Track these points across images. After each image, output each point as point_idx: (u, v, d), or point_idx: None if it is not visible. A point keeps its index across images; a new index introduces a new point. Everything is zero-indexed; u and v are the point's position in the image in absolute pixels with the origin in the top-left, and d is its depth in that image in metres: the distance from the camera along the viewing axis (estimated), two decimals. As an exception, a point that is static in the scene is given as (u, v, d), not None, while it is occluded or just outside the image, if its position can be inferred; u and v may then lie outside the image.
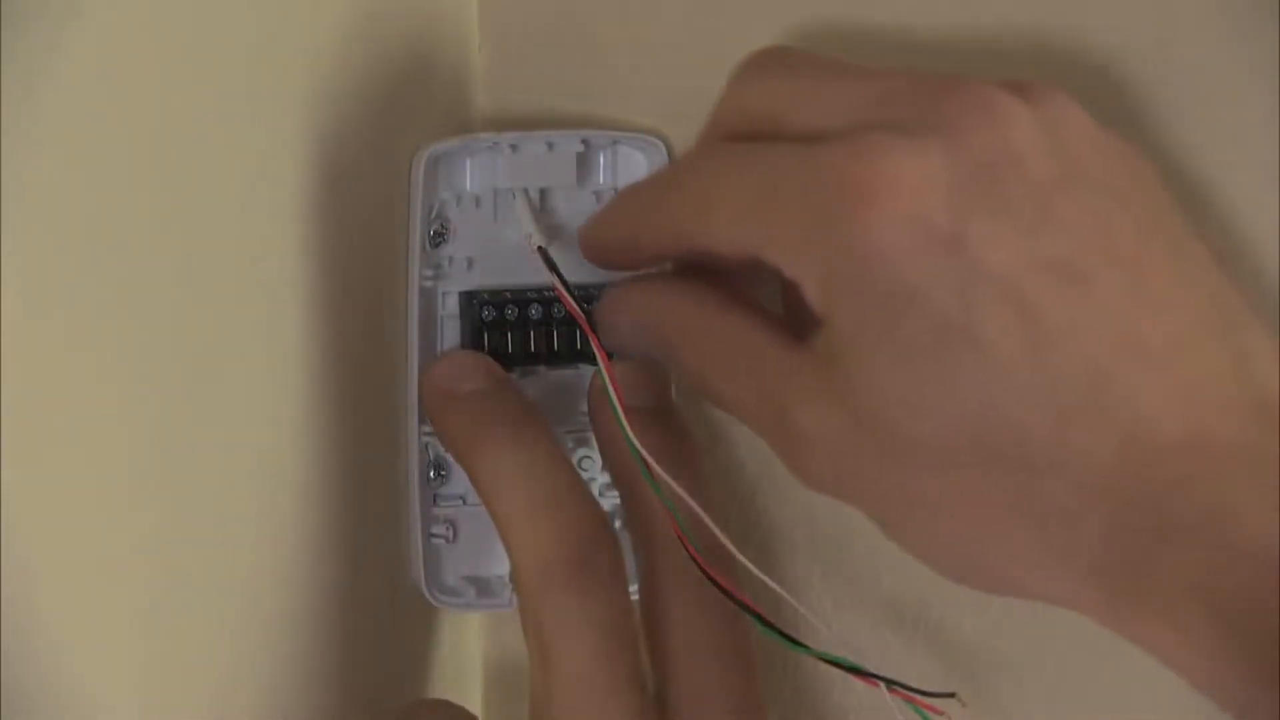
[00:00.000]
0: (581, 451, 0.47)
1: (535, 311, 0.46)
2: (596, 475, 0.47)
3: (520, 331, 0.46)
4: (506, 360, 0.46)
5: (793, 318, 0.38)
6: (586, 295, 0.44)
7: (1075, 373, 0.35)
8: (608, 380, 0.42)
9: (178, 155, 0.37)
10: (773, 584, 0.41)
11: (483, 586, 0.47)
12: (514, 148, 0.46)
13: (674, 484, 0.41)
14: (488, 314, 0.46)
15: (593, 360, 0.43)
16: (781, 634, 0.41)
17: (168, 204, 0.36)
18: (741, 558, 0.41)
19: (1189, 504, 0.34)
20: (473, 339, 0.46)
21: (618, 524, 0.47)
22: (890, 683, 0.40)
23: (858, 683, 0.41)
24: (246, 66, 0.39)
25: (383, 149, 0.45)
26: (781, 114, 0.39)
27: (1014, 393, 0.35)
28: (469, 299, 0.46)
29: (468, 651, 0.50)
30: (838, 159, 0.36)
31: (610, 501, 0.47)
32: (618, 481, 0.44)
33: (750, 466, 0.48)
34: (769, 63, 0.40)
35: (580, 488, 0.42)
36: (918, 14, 0.44)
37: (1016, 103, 0.36)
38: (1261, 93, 0.43)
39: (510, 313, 0.46)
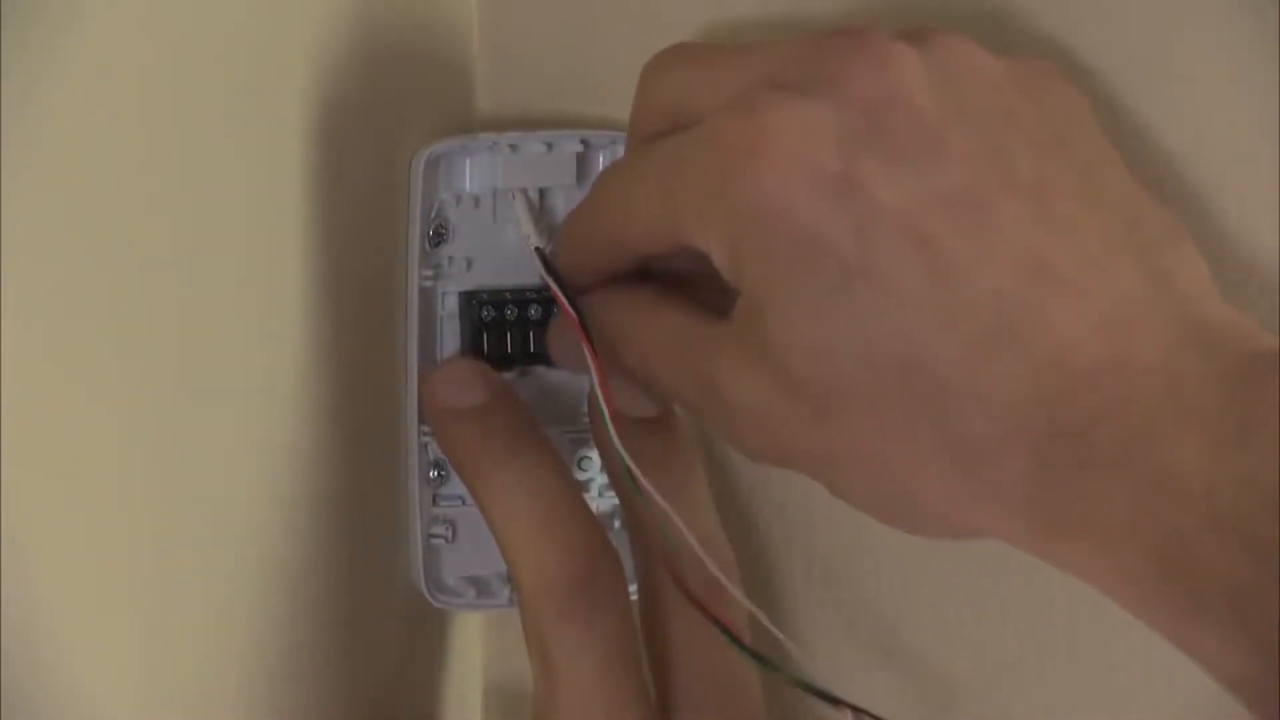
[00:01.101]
0: (581, 451, 0.47)
1: (535, 312, 0.46)
2: (596, 475, 0.47)
3: (520, 332, 0.46)
4: (506, 362, 0.46)
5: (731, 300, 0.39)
6: None
7: (981, 302, 0.34)
8: (597, 386, 0.42)
9: (177, 156, 0.37)
10: (749, 604, 0.41)
11: (483, 586, 0.47)
12: (514, 148, 0.45)
13: (654, 492, 0.41)
14: (487, 314, 0.46)
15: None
16: (753, 654, 0.41)
17: (166, 204, 0.36)
18: (718, 573, 0.41)
19: (1112, 434, 0.33)
20: (472, 339, 0.46)
21: (617, 524, 0.47)
22: (855, 709, 0.40)
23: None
24: (245, 66, 0.39)
25: (383, 149, 0.45)
26: (685, 103, 0.39)
27: (923, 328, 0.34)
28: (468, 299, 0.46)
29: (468, 651, 0.50)
30: (725, 124, 0.36)
31: (611, 501, 0.47)
32: (619, 490, 0.45)
33: (745, 481, 0.48)
34: (670, 58, 0.40)
35: (581, 507, 0.42)
36: (919, 12, 0.44)
37: (900, 46, 0.36)
38: (1261, 93, 0.43)
39: (510, 313, 0.46)
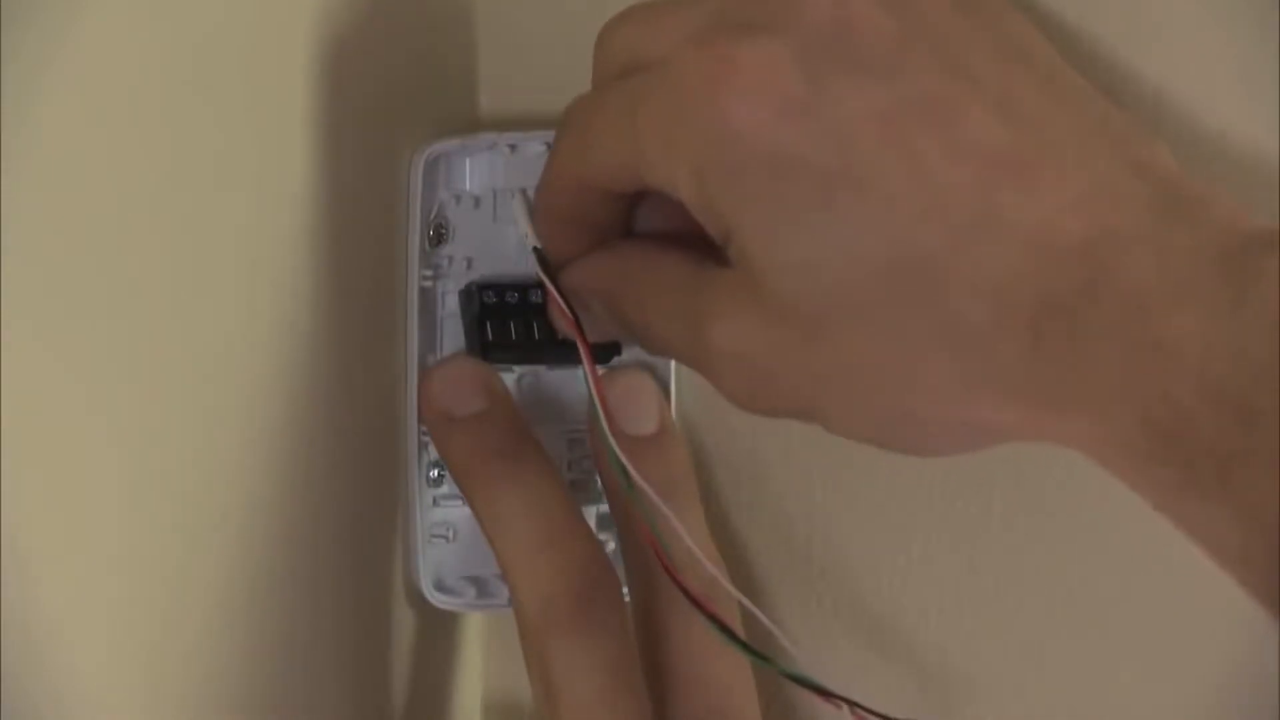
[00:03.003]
0: (580, 451, 0.47)
1: (536, 296, 0.45)
2: (595, 475, 0.47)
3: (522, 318, 0.46)
4: (511, 349, 0.45)
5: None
6: None
7: (961, 192, 0.34)
8: (593, 389, 0.42)
9: (176, 156, 0.37)
10: (745, 601, 0.41)
11: (483, 586, 0.47)
12: (514, 148, 0.46)
13: (648, 489, 0.41)
14: (489, 298, 0.45)
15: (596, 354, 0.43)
16: (747, 648, 0.41)
17: (166, 204, 0.36)
18: (714, 571, 0.41)
19: (1103, 305, 0.33)
20: (476, 327, 0.45)
21: (612, 545, 0.47)
22: (852, 704, 0.40)
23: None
24: (245, 65, 0.39)
25: (383, 149, 0.45)
26: (642, 50, 0.39)
27: (906, 224, 0.35)
28: (469, 289, 0.46)
29: (467, 651, 0.50)
30: (685, 59, 0.37)
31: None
32: (613, 503, 0.45)
33: (746, 483, 0.48)
34: (622, 16, 0.40)
35: (579, 522, 0.43)
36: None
37: None
38: (1262, 92, 0.43)
39: (511, 298, 0.46)
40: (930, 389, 0.35)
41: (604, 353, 0.45)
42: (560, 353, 0.45)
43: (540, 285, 0.43)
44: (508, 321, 0.45)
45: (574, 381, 0.47)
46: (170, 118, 0.36)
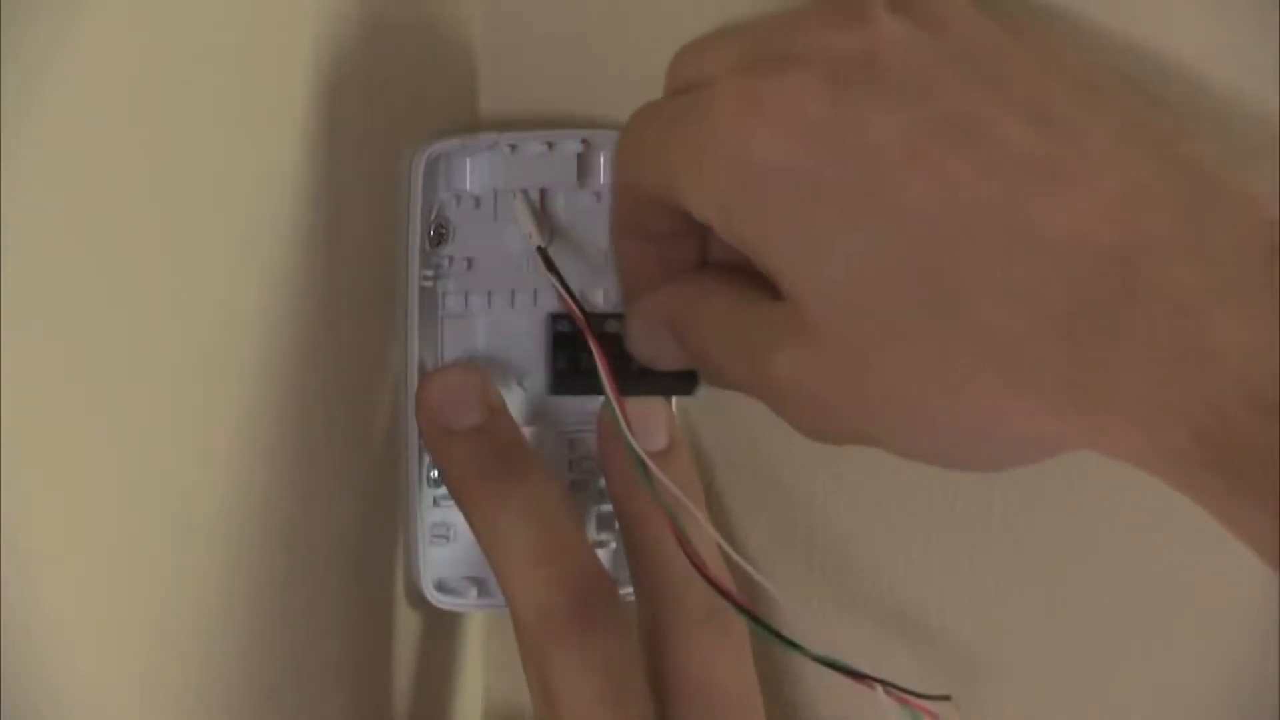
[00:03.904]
0: (581, 451, 0.47)
1: (612, 325, 0.44)
2: (596, 475, 0.47)
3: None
4: (583, 377, 0.45)
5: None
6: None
7: (992, 206, 0.34)
8: (607, 386, 0.42)
9: (176, 156, 0.37)
10: (769, 585, 0.41)
11: (483, 586, 0.47)
12: (514, 148, 0.45)
13: (662, 476, 0.41)
14: (563, 326, 0.45)
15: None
16: (777, 634, 0.41)
17: (165, 205, 0.36)
18: (738, 557, 0.41)
19: (1142, 309, 0.33)
20: (550, 355, 0.45)
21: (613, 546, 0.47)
22: (885, 684, 0.40)
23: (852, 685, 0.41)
24: (246, 66, 0.39)
25: (383, 149, 0.45)
26: (692, 74, 0.40)
27: (936, 241, 0.35)
28: (546, 318, 0.46)
29: (468, 652, 0.50)
30: (714, 92, 0.37)
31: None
32: (624, 526, 0.45)
33: (747, 483, 0.48)
34: (696, 38, 0.41)
35: (576, 534, 0.43)
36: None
37: (883, 8, 0.37)
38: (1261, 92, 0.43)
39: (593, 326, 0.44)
40: (975, 405, 0.35)
41: (684, 382, 0.44)
42: (636, 383, 0.44)
43: (615, 317, 0.43)
44: (582, 350, 0.45)
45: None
46: (170, 118, 0.36)
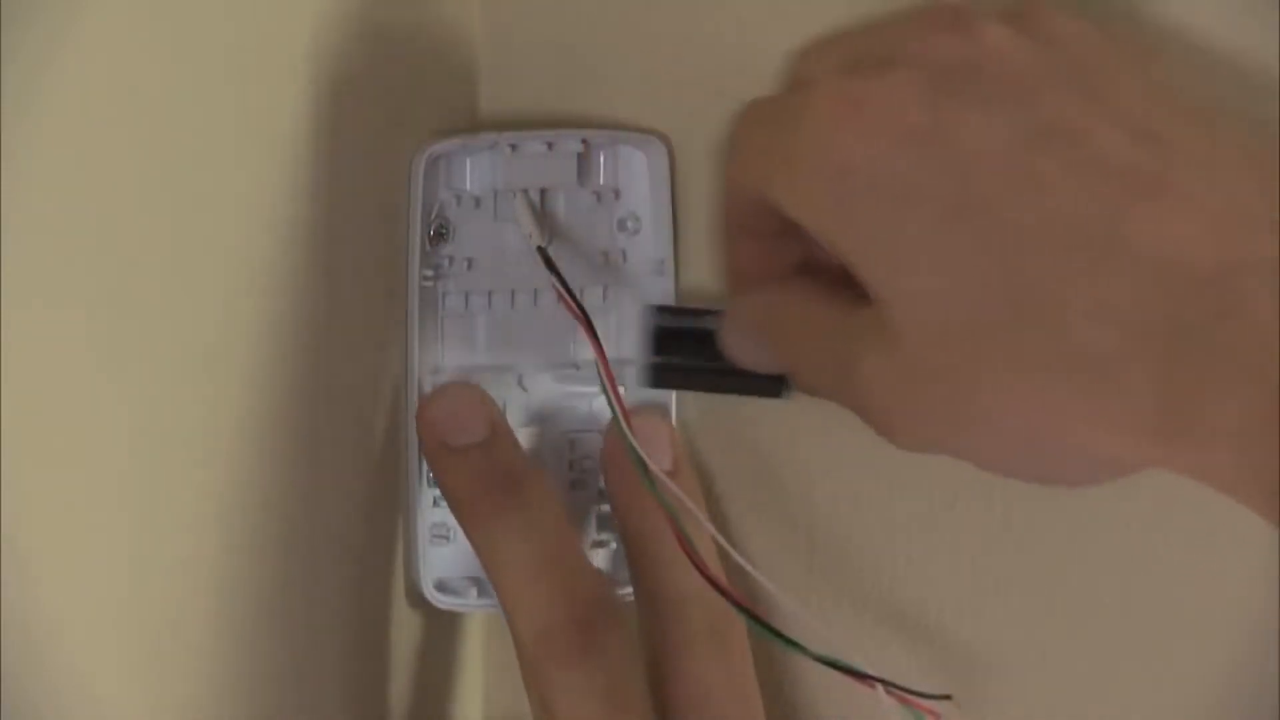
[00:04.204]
0: (581, 451, 0.47)
1: (711, 323, 0.44)
2: (597, 475, 0.47)
3: (694, 343, 0.44)
4: (678, 373, 0.45)
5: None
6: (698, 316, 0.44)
7: (1088, 219, 0.34)
8: (606, 383, 0.42)
9: (176, 156, 0.37)
10: (769, 584, 0.41)
11: (483, 586, 0.47)
12: (514, 148, 0.45)
13: (663, 477, 0.41)
14: (665, 320, 0.45)
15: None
16: (777, 633, 0.41)
17: (165, 205, 0.36)
18: (739, 558, 0.41)
19: (1238, 332, 0.32)
20: (648, 347, 0.45)
21: (613, 546, 0.47)
22: (886, 684, 0.40)
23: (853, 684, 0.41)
24: (246, 66, 0.39)
25: (383, 149, 0.45)
26: (800, 72, 0.40)
27: (1028, 252, 0.34)
28: (646, 309, 0.45)
29: (468, 652, 0.50)
30: (814, 92, 0.37)
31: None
32: (627, 543, 0.45)
33: (751, 473, 0.48)
34: (803, 43, 0.41)
35: (577, 552, 0.43)
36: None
37: (981, 15, 0.37)
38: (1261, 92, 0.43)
39: (687, 322, 0.44)
40: (1060, 423, 0.35)
41: (773, 385, 0.44)
42: (730, 382, 0.44)
43: (712, 313, 0.43)
44: (680, 345, 0.45)
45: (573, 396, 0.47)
46: (170, 118, 0.36)
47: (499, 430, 0.44)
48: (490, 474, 0.43)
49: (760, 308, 0.42)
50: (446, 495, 0.44)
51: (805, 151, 0.37)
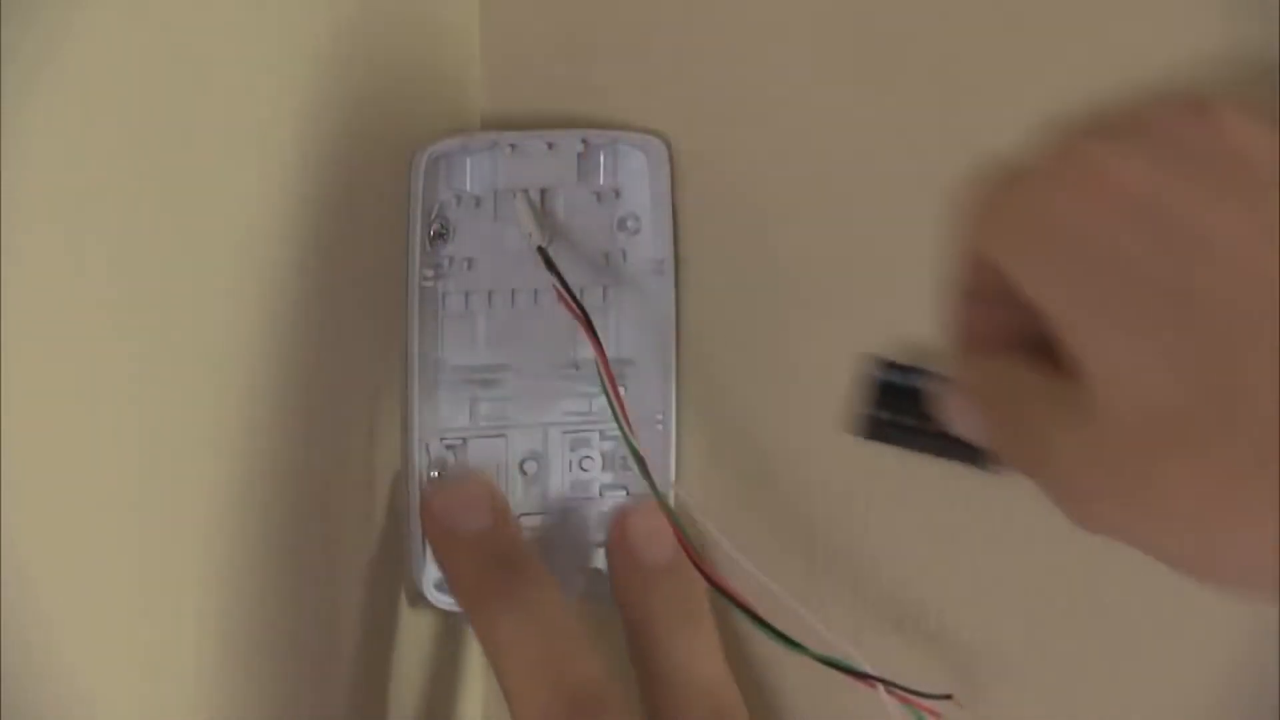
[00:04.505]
0: (581, 451, 0.47)
1: (937, 385, 0.42)
2: (597, 475, 0.47)
3: (917, 403, 0.43)
4: (899, 430, 0.43)
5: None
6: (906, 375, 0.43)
7: None
8: (605, 379, 0.42)
9: (176, 156, 0.37)
10: (773, 585, 0.41)
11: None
12: (514, 148, 0.45)
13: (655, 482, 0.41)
14: (892, 376, 0.43)
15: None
16: (778, 634, 0.41)
17: (165, 205, 0.36)
18: (739, 557, 0.41)
19: None
20: (870, 401, 0.43)
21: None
22: (887, 684, 0.40)
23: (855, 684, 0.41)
24: (247, 67, 0.39)
25: (383, 149, 0.45)
26: (1039, 149, 0.38)
27: (1246, 350, 0.33)
28: (871, 361, 0.44)
29: (468, 653, 0.50)
30: (1051, 160, 0.36)
31: (612, 501, 0.47)
32: (628, 633, 0.45)
33: (751, 474, 0.48)
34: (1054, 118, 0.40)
35: (580, 641, 0.43)
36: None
37: (1232, 104, 0.36)
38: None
39: (914, 380, 0.43)
40: (1261, 534, 0.34)
41: (977, 454, 0.43)
42: (938, 444, 0.42)
43: (929, 372, 0.42)
44: (894, 400, 0.44)
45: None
46: (170, 118, 0.36)
47: (502, 518, 0.44)
48: (492, 560, 0.44)
49: (979, 375, 0.40)
50: (449, 580, 0.45)
51: (1035, 216, 0.36)
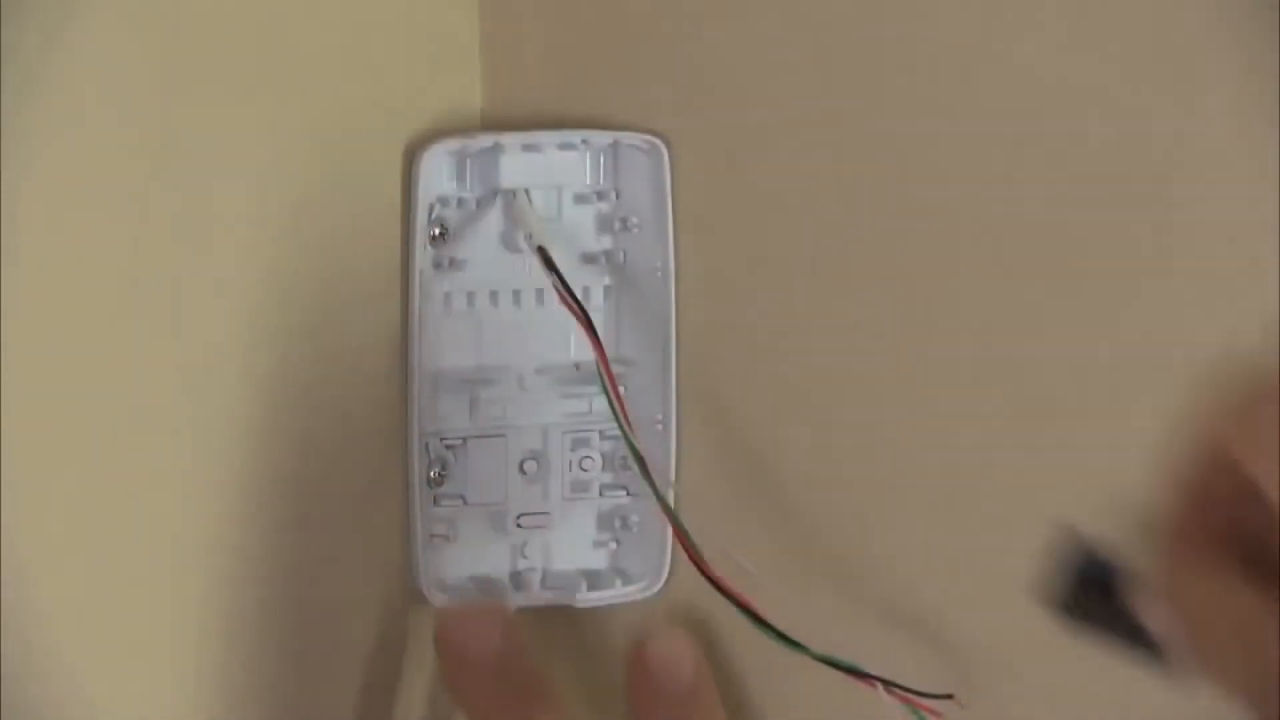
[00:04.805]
0: (581, 451, 0.47)
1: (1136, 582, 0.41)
2: (597, 475, 0.47)
3: (1117, 594, 0.38)
4: (1093, 619, 0.42)
5: None
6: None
7: None
8: (609, 388, 0.42)
9: (175, 156, 0.37)
10: (771, 585, 0.41)
11: (483, 586, 0.47)
12: (514, 147, 0.45)
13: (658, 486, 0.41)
14: (1097, 569, 0.41)
15: None
16: (778, 634, 0.41)
17: (165, 205, 0.36)
18: (739, 557, 0.41)
19: None
20: (1070, 585, 0.42)
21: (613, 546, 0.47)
22: (887, 684, 0.40)
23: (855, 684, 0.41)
24: (247, 66, 0.39)
25: (383, 149, 0.45)
26: None
27: None
28: (1079, 543, 0.42)
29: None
30: None
31: (612, 501, 0.47)
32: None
33: (751, 474, 0.48)
34: None
35: None
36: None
37: None
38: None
39: (1117, 574, 0.38)
40: None
41: (1153, 649, 0.41)
42: (1128, 638, 0.42)
43: (1128, 570, 0.41)
44: (1104, 593, 0.42)
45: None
46: (170, 118, 0.36)
47: (512, 642, 0.44)
48: (501, 682, 0.43)
49: (1199, 595, 0.37)
50: (455, 700, 0.44)
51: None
